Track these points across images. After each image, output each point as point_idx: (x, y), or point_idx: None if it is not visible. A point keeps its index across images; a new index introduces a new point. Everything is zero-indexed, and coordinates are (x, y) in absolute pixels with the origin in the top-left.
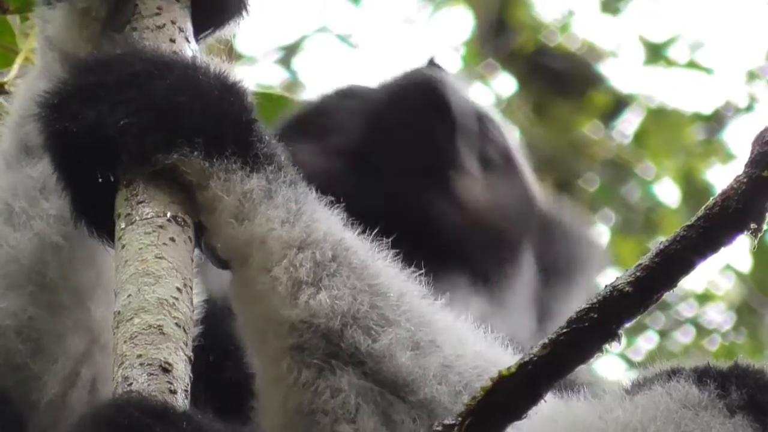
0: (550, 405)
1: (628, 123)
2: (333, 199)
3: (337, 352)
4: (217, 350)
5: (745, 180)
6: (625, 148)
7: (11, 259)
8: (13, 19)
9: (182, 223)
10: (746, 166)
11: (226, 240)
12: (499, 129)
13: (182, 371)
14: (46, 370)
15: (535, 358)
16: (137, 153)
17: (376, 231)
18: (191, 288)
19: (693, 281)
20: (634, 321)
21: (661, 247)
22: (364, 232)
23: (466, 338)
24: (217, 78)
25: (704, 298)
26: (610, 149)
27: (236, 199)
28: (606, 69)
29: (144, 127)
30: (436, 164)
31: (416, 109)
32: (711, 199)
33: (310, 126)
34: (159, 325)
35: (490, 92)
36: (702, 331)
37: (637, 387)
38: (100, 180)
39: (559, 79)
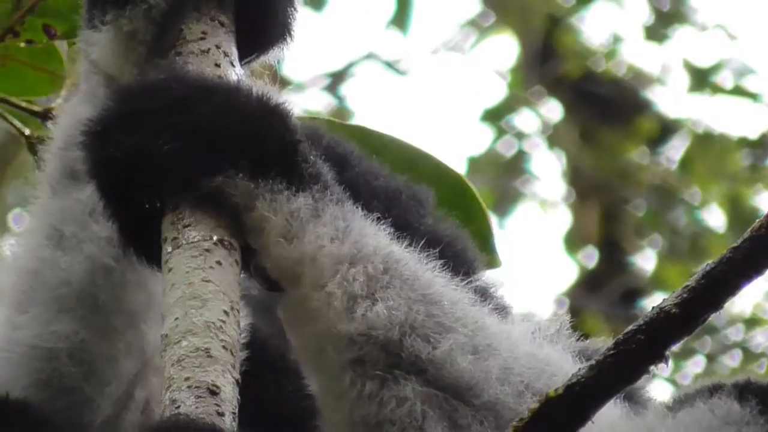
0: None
1: (675, 149)
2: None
3: (398, 362)
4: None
5: None
6: (671, 173)
7: (62, 283)
8: (61, 45)
9: (228, 246)
10: None
11: (276, 260)
12: None
13: (230, 394)
14: (100, 392)
15: (583, 380)
16: (182, 178)
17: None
18: (238, 311)
19: (740, 305)
20: (682, 344)
21: (707, 269)
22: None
23: (517, 339)
24: (260, 100)
25: (752, 322)
26: (656, 175)
27: (284, 218)
28: (652, 95)
29: (188, 152)
30: None
31: None
32: (757, 221)
33: None
34: (206, 348)
35: (536, 118)
36: (749, 355)
37: (680, 404)
38: (146, 206)
39: (605, 106)
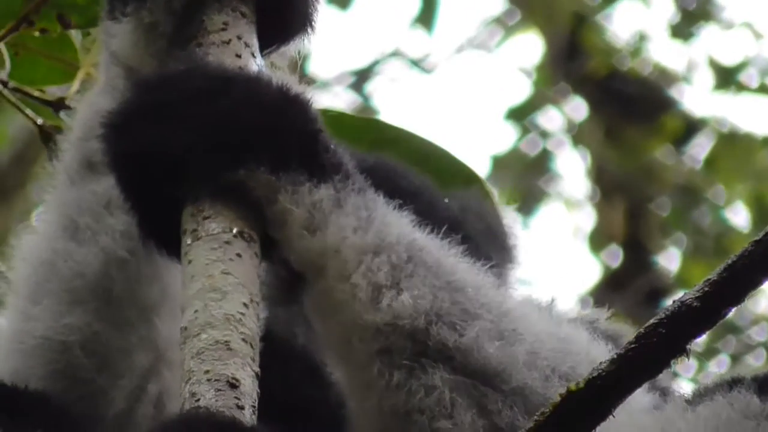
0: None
1: (700, 147)
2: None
3: (425, 350)
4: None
5: None
6: (696, 172)
7: (76, 275)
8: (75, 35)
9: (248, 238)
10: None
11: (299, 252)
12: None
13: (249, 387)
14: (113, 385)
15: (604, 374)
16: (202, 171)
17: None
18: (258, 303)
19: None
20: (705, 344)
21: (729, 262)
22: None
23: (539, 322)
24: (280, 91)
25: None
26: (681, 174)
27: (306, 210)
28: (677, 93)
29: (208, 145)
30: None
31: None
32: None
33: None
34: (226, 341)
35: (561, 117)
36: None
37: (699, 398)
38: (167, 198)
39: (630, 104)
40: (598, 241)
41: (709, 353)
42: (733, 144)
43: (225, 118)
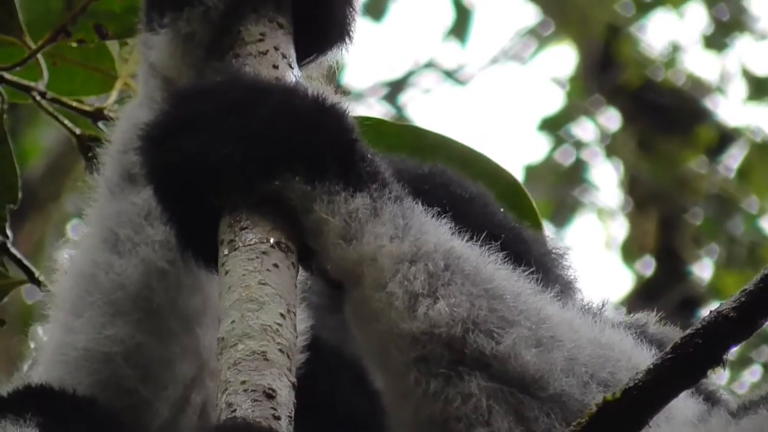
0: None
1: (733, 158)
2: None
3: (462, 358)
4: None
5: None
6: (729, 182)
7: (117, 286)
8: (112, 45)
9: (285, 249)
10: None
11: (336, 261)
12: None
13: (286, 397)
14: (157, 395)
15: (640, 384)
16: (239, 182)
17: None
18: (295, 314)
19: None
20: (738, 353)
21: (765, 272)
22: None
23: (579, 327)
24: (316, 101)
25: None
26: (714, 184)
27: (342, 219)
28: (711, 104)
29: (245, 157)
30: None
31: None
32: None
33: None
34: (263, 351)
35: (595, 127)
36: None
37: (743, 410)
38: (203, 209)
39: (664, 115)
40: (631, 251)
41: (742, 363)
42: (767, 154)
43: (261, 129)
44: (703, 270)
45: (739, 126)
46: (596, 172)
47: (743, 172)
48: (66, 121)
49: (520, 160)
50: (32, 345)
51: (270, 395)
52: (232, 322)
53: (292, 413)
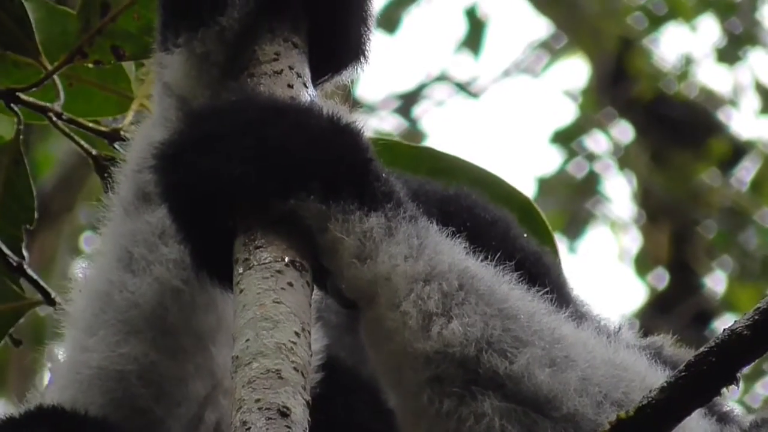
0: None
1: (746, 170)
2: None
3: (476, 378)
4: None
5: None
6: (742, 195)
7: (131, 305)
8: (129, 66)
9: (300, 267)
10: None
11: (350, 281)
12: None
13: (300, 415)
14: (170, 414)
15: (654, 402)
16: (254, 202)
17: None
18: (309, 333)
19: None
20: (751, 366)
21: None
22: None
23: (594, 348)
24: (331, 120)
25: None
26: (727, 197)
27: (356, 239)
28: (724, 117)
29: (259, 176)
30: None
31: None
32: None
33: None
34: (277, 370)
35: (608, 140)
36: None
37: (755, 428)
38: (218, 228)
39: (677, 128)
40: (644, 263)
41: (754, 375)
42: None
43: (275, 149)
44: (717, 283)
45: (751, 139)
46: (609, 184)
47: (756, 185)
48: (82, 142)
49: (533, 172)
50: (46, 362)
51: (284, 413)
52: (247, 340)
53: (307, 431)
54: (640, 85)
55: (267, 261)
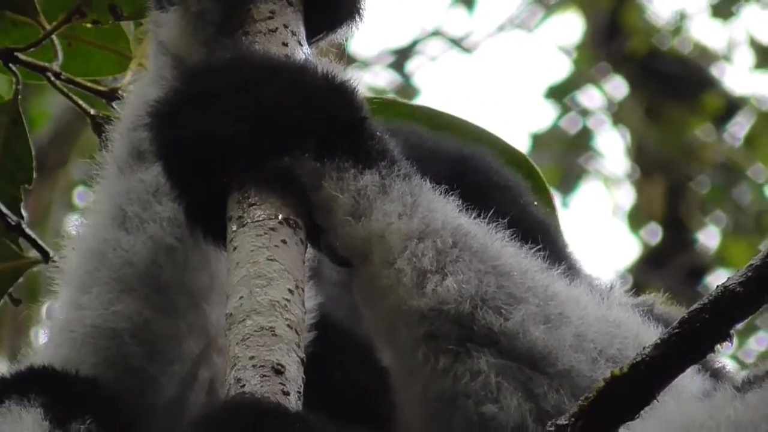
0: (661, 404)
1: (740, 126)
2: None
3: (471, 335)
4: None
5: None
6: (736, 150)
7: (125, 263)
8: (127, 25)
9: (294, 225)
10: None
11: (344, 238)
12: None
13: (295, 373)
14: (163, 372)
15: (648, 359)
16: (249, 159)
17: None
18: (303, 290)
19: None
20: (745, 322)
21: None
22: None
23: (587, 304)
24: (326, 79)
25: None
26: (721, 152)
27: (351, 197)
28: (718, 73)
29: (254, 133)
30: None
31: None
32: None
33: None
34: (271, 327)
35: (602, 96)
36: None
37: (748, 385)
38: (212, 185)
39: (670, 83)
40: (637, 219)
41: (748, 331)
42: None
43: (271, 107)
44: (710, 238)
45: (745, 94)
46: (603, 139)
47: (750, 141)
48: (81, 102)
49: (527, 127)
50: (40, 319)
51: (279, 371)
52: (241, 297)
53: (301, 389)
54: (634, 40)
55: (261, 218)
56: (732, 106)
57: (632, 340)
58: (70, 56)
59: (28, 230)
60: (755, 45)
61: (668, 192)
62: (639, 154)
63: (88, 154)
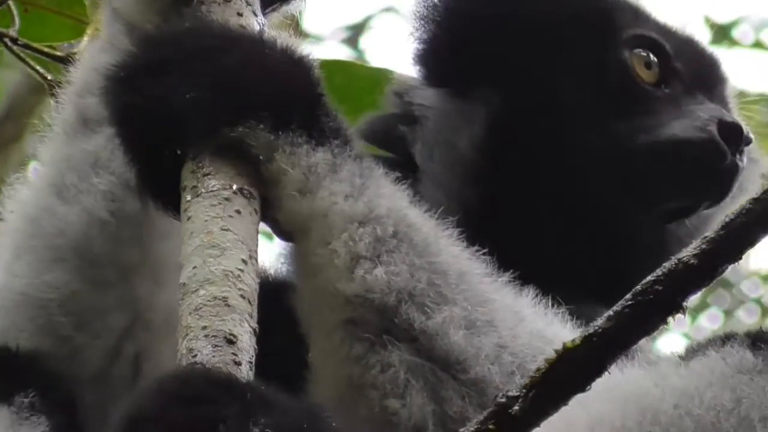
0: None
1: None
2: (400, 176)
3: (390, 327)
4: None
5: None
6: None
7: (59, 233)
8: None
9: (248, 195)
10: None
11: (288, 213)
12: None
13: (247, 343)
14: (90, 344)
15: (600, 330)
16: (204, 127)
17: None
18: (256, 260)
19: (758, 261)
20: (699, 299)
21: (727, 220)
22: None
23: (525, 317)
24: (284, 52)
25: None
26: None
27: (301, 172)
28: None
29: (210, 102)
30: None
31: None
32: None
33: None
34: (224, 297)
35: None
36: (766, 311)
37: (692, 353)
38: (167, 153)
39: None
40: None
41: (701, 308)
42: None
43: (228, 76)
44: None
45: None
46: None
47: None
48: (38, 67)
49: None
50: None
51: (231, 341)
52: (194, 267)
53: (253, 359)
54: None
55: (215, 188)
56: None
57: None
58: (27, 22)
59: None
60: (709, 22)
61: None
62: None
63: (43, 128)
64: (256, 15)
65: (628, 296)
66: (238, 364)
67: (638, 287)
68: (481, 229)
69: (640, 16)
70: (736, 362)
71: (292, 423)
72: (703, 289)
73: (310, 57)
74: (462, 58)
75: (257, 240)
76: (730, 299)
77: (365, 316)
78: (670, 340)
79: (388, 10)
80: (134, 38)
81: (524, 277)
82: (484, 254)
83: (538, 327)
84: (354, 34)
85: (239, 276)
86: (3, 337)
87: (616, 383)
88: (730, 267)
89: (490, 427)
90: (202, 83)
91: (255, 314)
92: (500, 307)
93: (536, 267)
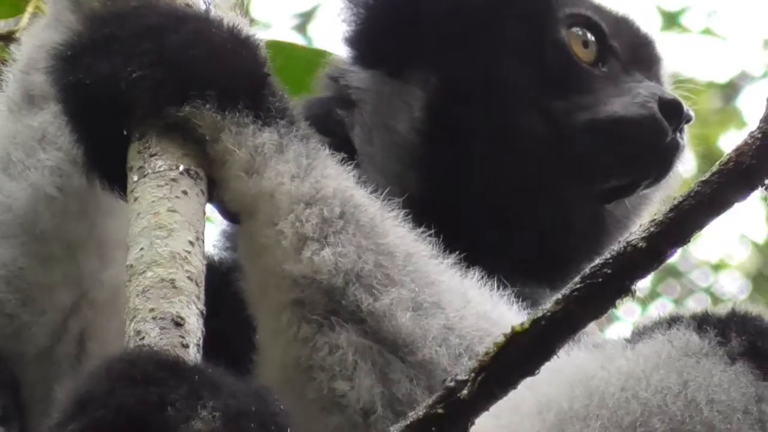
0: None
1: None
2: (347, 156)
3: (338, 309)
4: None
5: (759, 136)
6: None
7: (5, 209)
8: None
9: (195, 176)
10: (761, 122)
11: (234, 193)
12: None
13: (194, 325)
14: (35, 321)
15: (549, 314)
16: (150, 106)
17: None
18: (203, 241)
19: (707, 250)
20: (649, 288)
21: (675, 202)
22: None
23: (471, 299)
24: (231, 32)
25: (719, 267)
26: None
27: (247, 152)
28: None
29: (157, 80)
30: None
31: None
32: (725, 155)
33: None
34: (171, 279)
35: None
36: (716, 300)
37: (638, 336)
38: (113, 133)
39: None
40: None
41: (651, 297)
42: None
43: (173, 55)
44: None
45: None
46: None
47: None
48: None
49: None
50: None
51: (178, 323)
52: (141, 249)
53: (200, 341)
54: None
55: (162, 169)
56: None
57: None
58: None
59: None
60: (659, 9)
61: None
62: None
63: None
64: None
65: (576, 279)
66: (185, 346)
67: (587, 270)
68: (422, 211)
69: None
70: (683, 345)
71: (240, 405)
72: (652, 273)
73: (257, 37)
74: (397, 39)
75: (204, 221)
76: (680, 289)
77: (313, 298)
78: (620, 329)
79: None
80: (80, 15)
81: (467, 260)
82: (428, 236)
83: (484, 309)
84: (303, 21)
85: (186, 258)
86: None
87: (563, 366)
88: (679, 252)
89: (439, 411)
90: (147, 62)
91: (202, 296)
92: (447, 288)
93: (478, 249)
